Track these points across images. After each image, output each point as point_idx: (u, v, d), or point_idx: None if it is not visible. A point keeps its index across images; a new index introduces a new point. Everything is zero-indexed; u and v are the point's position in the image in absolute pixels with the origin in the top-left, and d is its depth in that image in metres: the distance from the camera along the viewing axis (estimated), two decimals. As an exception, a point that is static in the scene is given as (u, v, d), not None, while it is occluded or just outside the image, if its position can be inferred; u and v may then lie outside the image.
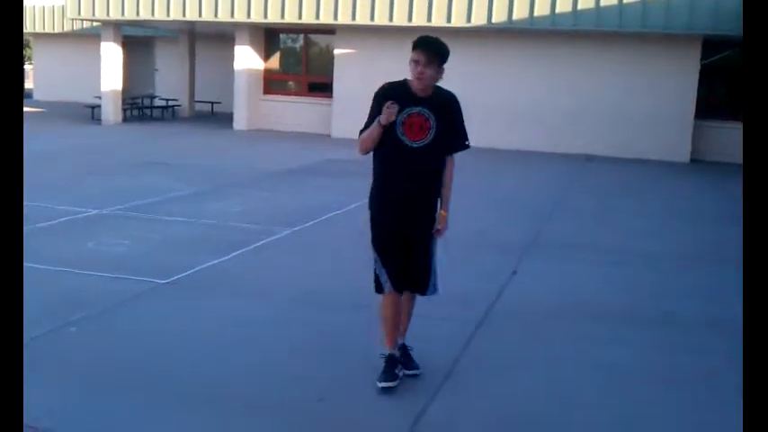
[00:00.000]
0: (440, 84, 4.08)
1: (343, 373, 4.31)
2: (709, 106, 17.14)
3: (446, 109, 4.09)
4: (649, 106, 16.60)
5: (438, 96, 4.06)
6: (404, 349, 4.31)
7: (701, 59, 16.42)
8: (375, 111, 4.00)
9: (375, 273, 4.21)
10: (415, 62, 3.94)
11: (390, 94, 4.00)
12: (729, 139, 16.74)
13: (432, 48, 3.95)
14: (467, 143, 4.19)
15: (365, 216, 4.12)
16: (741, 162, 16.09)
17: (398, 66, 3.97)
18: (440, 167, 4.16)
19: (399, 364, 4.19)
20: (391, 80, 4.15)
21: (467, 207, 8.69)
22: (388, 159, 4.09)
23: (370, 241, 4.18)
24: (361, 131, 4.08)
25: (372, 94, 4.05)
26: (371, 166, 4.16)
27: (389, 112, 3.89)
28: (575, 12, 15.86)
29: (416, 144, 4.02)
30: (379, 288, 4.21)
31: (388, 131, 3.98)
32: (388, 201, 4.12)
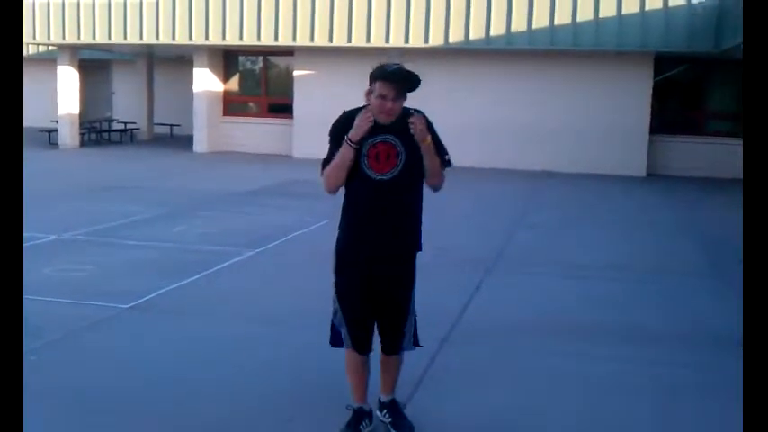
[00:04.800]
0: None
1: (310, 394, 4.29)
2: (664, 121, 17.54)
3: None
4: (606, 123, 16.92)
5: (404, 118, 3.43)
6: (393, 407, 3.82)
7: (654, 76, 16.83)
8: (335, 147, 3.47)
9: (333, 324, 3.71)
10: (383, 97, 3.34)
11: (350, 125, 3.43)
12: (684, 153, 17.18)
13: (404, 82, 3.37)
14: (447, 158, 3.61)
15: (329, 237, 4.00)
16: (696, 175, 16.50)
17: (357, 86, 3.85)
18: (414, 204, 3.61)
19: (366, 420, 3.73)
20: (349, 108, 3.57)
21: (430, 223, 8.74)
22: (354, 198, 3.53)
23: (334, 288, 3.68)
24: (323, 168, 3.51)
25: (333, 115, 3.61)
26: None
27: (363, 124, 3.36)
28: (530, 31, 16.12)
29: (384, 177, 3.44)
30: (336, 341, 3.72)
31: (354, 166, 3.43)
32: (356, 252, 3.56)
